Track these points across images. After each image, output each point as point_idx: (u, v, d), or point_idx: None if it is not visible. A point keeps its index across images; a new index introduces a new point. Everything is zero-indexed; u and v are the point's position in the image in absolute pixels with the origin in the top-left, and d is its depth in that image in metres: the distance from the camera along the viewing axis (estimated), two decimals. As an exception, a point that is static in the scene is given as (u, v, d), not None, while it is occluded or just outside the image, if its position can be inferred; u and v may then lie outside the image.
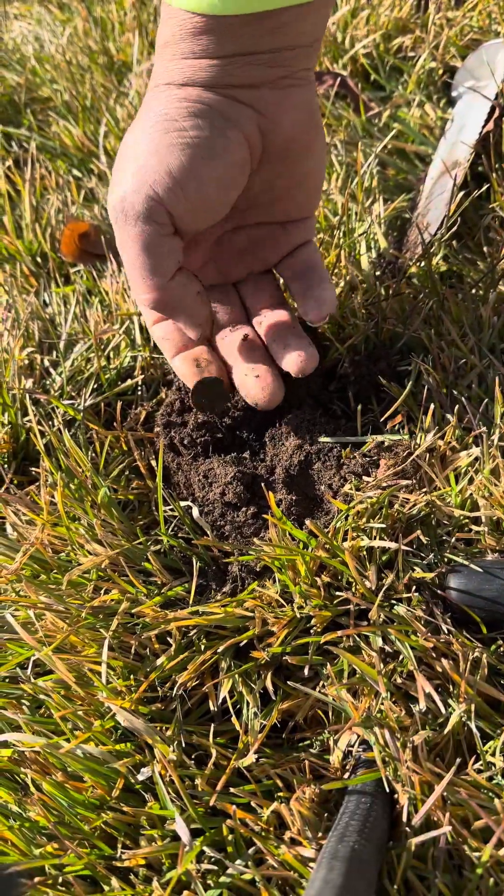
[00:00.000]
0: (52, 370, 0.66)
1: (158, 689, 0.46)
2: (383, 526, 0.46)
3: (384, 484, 0.48)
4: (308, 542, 0.47)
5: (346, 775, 0.42)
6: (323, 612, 0.45)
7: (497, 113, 0.72)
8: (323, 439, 0.52)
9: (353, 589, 0.45)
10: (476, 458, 0.50)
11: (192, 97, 0.45)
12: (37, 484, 0.58)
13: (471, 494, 0.49)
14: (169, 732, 0.44)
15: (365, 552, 0.46)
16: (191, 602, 0.47)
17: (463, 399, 0.53)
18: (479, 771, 0.41)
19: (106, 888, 0.40)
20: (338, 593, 0.46)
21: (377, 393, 0.58)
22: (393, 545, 0.45)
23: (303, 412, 0.54)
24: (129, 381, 0.63)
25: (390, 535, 0.47)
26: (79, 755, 0.43)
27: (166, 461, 0.56)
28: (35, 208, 0.86)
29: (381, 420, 0.54)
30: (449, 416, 0.52)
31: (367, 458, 0.51)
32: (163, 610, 0.47)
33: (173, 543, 0.51)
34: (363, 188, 0.72)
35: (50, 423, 0.62)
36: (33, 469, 0.60)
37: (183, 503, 0.52)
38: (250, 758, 0.42)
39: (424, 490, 0.49)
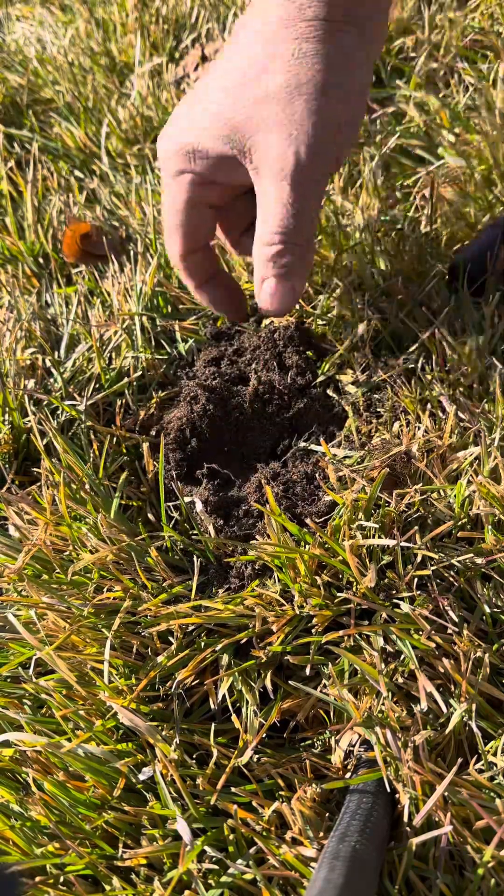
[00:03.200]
0: (53, 371, 0.66)
1: (160, 688, 0.46)
2: (377, 526, 0.46)
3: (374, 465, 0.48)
4: (303, 537, 0.47)
5: (347, 775, 0.42)
6: (324, 612, 0.45)
7: None
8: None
9: (354, 588, 0.45)
10: (476, 458, 0.50)
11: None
12: (38, 484, 0.58)
13: (469, 494, 0.49)
14: (170, 732, 0.44)
15: (365, 551, 0.46)
16: (192, 598, 0.47)
17: (462, 399, 0.53)
18: (480, 771, 0.41)
19: (107, 888, 0.40)
20: (339, 593, 0.46)
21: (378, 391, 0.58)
22: (392, 542, 0.45)
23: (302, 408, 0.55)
24: (125, 380, 0.64)
25: (388, 534, 0.47)
26: (80, 755, 0.43)
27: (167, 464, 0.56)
28: (37, 209, 0.86)
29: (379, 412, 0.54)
30: (447, 414, 0.52)
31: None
32: (165, 606, 0.47)
33: (176, 538, 0.51)
34: (365, 189, 0.72)
35: (52, 423, 0.62)
36: (35, 469, 0.60)
37: (186, 498, 0.52)
38: (248, 756, 0.42)
39: (418, 487, 0.49)
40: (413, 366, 0.58)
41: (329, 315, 0.64)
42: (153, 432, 0.59)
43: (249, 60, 0.44)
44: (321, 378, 0.59)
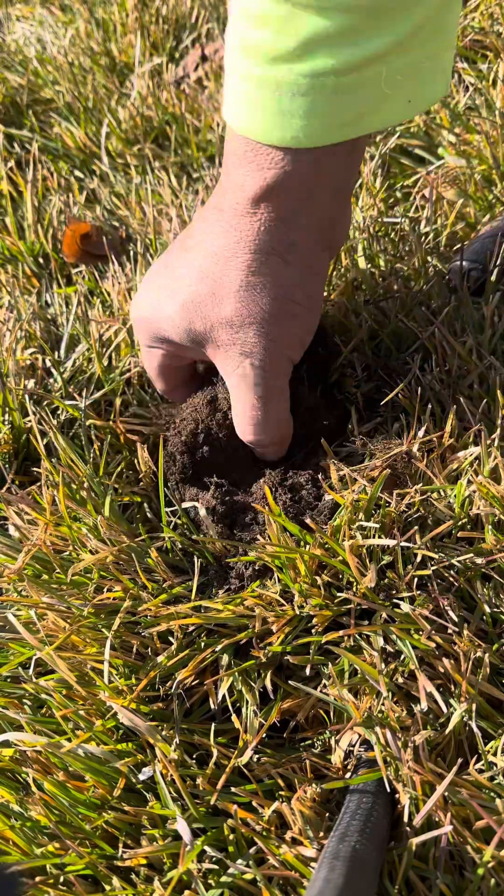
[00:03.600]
0: (53, 371, 0.66)
1: (160, 688, 0.46)
2: (377, 526, 0.46)
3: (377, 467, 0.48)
4: (303, 537, 0.47)
5: (347, 775, 0.42)
6: (324, 612, 0.45)
7: None
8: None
9: (354, 588, 0.45)
10: (476, 458, 0.50)
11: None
12: (38, 484, 0.58)
13: (469, 495, 0.49)
14: (170, 732, 0.44)
15: (365, 551, 0.46)
16: (192, 598, 0.47)
17: (461, 399, 0.53)
18: (480, 771, 0.41)
19: (107, 888, 0.40)
20: (339, 594, 0.46)
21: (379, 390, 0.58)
22: (391, 542, 0.45)
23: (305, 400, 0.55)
24: (125, 377, 0.64)
25: (388, 534, 0.47)
26: (80, 755, 0.43)
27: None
28: (37, 209, 0.86)
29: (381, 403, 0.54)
30: (448, 414, 0.52)
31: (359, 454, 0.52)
32: (165, 606, 0.47)
33: (176, 539, 0.51)
34: (365, 189, 0.72)
35: (52, 422, 0.62)
36: (35, 469, 0.60)
37: (186, 504, 0.52)
38: (248, 756, 0.42)
39: (418, 488, 0.49)
40: (413, 366, 0.57)
41: (330, 315, 0.64)
42: (162, 422, 0.59)
43: (205, 272, 0.46)
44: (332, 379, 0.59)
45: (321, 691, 0.44)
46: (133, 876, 0.41)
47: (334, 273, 0.67)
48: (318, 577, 0.46)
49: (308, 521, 0.47)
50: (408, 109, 0.39)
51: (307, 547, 0.47)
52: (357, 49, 0.35)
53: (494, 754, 0.41)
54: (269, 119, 0.38)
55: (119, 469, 0.58)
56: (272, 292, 0.45)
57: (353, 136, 0.39)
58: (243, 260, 0.45)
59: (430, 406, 0.52)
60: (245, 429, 0.50)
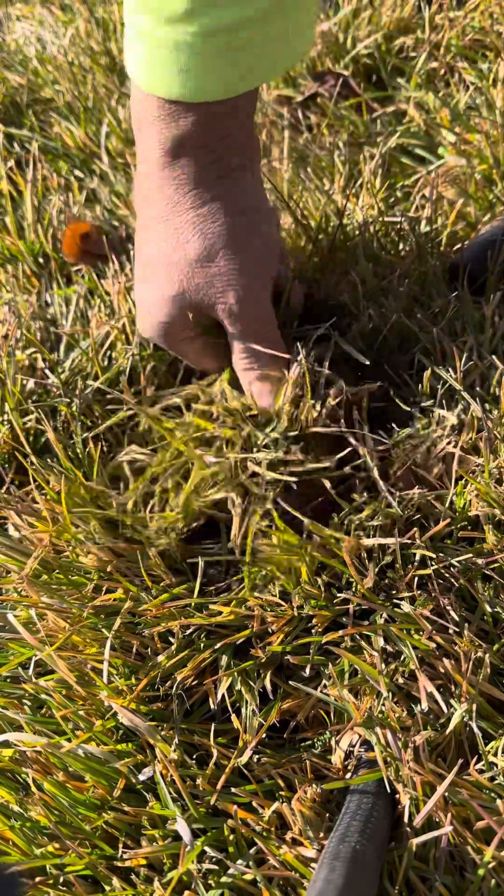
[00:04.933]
0: (53, 370, 0.66)
1: (160, 688, 0.46)
2: (381, 523, 0.46)
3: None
4: (304, 546, 0.47)
5: (347, 775, 0.42)
6: (323, 612, 0.45)
7: None
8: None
9: (354, 588, 0.45)
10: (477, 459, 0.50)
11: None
12: (38, 484, 0.58)
13: (470, 496, 0.49)
14: (170, 732, 0.43)
15: (365, 552, 0.46)
16: (195, 597, 0.47)
17: (462, 399, 0.53)
18: (480, 771, 0.40)
19: (107, 888, 0.40)
20: (339, 594, 0.46)
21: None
22: (391, 541, 0.45)
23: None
24: (123, 377, 0.63)
25: (388, 534, 0.47)
26: (80, 755, 0.43)
27: None
28: (37, 209, 0.86)
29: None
30: (452, 418, 0.52)
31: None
32: (165, 606, 0.47)
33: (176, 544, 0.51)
34: (365, 188, 0.72)
35: (51, 423, 0.62)
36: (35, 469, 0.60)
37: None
38: (247, 756, 0.42)
39: (416, 491, 0.49)
40: (414, 366, 0.57)
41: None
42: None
43: (163, 240, 0.48)
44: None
45: (321, 691, 0.44)
46: (133, 876, 0.41)
47: (335, 273, 0.67)
48: (318, 578, 0.46)
49: (306, 522, 0.47)
50: (284, 61, 0.44)
51: (307, 551, 0.47)
52: (240, 9, 0.39)
53: (495, 755, 0.41)
54: (170, 77, 0.41)
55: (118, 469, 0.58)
56: (221, 216, 0.47)
57: (243, 91, 0.43)
58: (186, 204, 0.47)
59: (429, 406, 0.52)
60: (238, 348, 0.51)
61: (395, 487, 0.49)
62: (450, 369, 0.56)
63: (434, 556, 0.45)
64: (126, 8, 0.42)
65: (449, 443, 0.50)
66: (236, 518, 0.48)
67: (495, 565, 0.46)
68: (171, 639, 0.47)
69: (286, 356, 0.50)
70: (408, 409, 0.54)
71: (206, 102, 0.43)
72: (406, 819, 0.39)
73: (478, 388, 0.55)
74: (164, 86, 0.42)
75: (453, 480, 0.49)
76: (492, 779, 0.40)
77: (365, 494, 0.48)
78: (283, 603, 0.46)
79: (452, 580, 0.46)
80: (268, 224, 0.50)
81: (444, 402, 0.54)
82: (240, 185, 0.48)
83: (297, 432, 0.49)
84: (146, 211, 0.49)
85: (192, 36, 0.39)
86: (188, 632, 0.47)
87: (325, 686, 0.45)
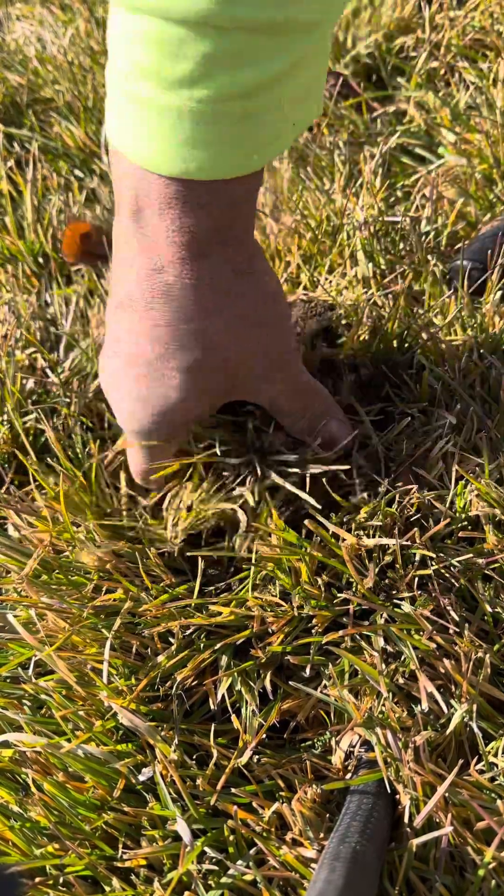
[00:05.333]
0: (53, 370, 0.66)
1: (160, 688, 0.46)
2: (380, 523, 0.46)
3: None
4: (303, 544, 0.47)
5: (347, 776, 0.42)
6: (323, 612, 0.45)
7: None
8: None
9: (354, 588, 0.45)
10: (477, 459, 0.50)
11: None
12: (37, 484, 0.58)
13: (470, 497, 0.49)
14: (169, 732, 0.43)
15: (364, 551, 0.46)
16: (195, 597, 0.47)
17: (461, 400, 0.53)
18: (481, 772, 0.40)
19: (107, 888, 0.40)
20: (339, 594, 0.46)
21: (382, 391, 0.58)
22: (391, 541, 0.45)
23: None
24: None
25: (388, 534, 0.47)
26: (80, 755, 0.43)
27: None
28: (37, 209, 0.86)
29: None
30: (451, 418, 0.52)
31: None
32: (165, 606, 0.47)
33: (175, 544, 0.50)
34: (365, 188, 0.72)
35: (51, 423, 0.62)
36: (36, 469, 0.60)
37: None
38: (247, 756, 0.42)
39: (417, 487, 0.49)
40: (414, 366, 0.57)
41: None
42: None
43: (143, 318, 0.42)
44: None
45: (321, 692, 0.44)
46: (133, 877, 0.41)
47: (335, 273, 0.67)
48: (318, 578, 0.46)
49: (306, 522, 0.47)
50: (293, 133, 0.37)
51: (307, 550, 0.47)
52: (257, 70, 0.33)
53: (495, 755, 0.41)
54: (170, 150, 0.35)
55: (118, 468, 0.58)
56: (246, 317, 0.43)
57: (256, 167, 0.36)
58: (208, 306, 0.41)
59: (429, 406, 0.52)
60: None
61: (394, 486, 0.49)
62: (448, 369, 0.56)
63: (434, 556, 0.45)
64: (114, 71, 0.36)
65: (448, 442, 0.50)
66: (243, 520, 0.48)
67: (496, 565, 0.46)
68: (171, 639, 0.47)
69: None
70: (406, 409, 0.54)
71: (224, 181, 0.36)
72: (406, 819, 0.39)
73: (478, 388, 0.55)
74: (167, 161, 0.35)
75: (453, 480, 0.49)
76: (492, 779, 0.40)
77: (364, 495, 0.48)
78: (283, 603, 0.46)
79: (453, 580, 0.46)
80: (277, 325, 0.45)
81: (443, 402, 0.54)
82: (261, 282, 0.43)
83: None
84: (143, 284, 0.41)
85: (201, 103, 0.33)
86: (188, 632, 0.47)
87: (325, 686, 0.45)
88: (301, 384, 0.49)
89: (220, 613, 0.46)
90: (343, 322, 0.61)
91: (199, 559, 0.49)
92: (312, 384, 0.50)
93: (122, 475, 0.56)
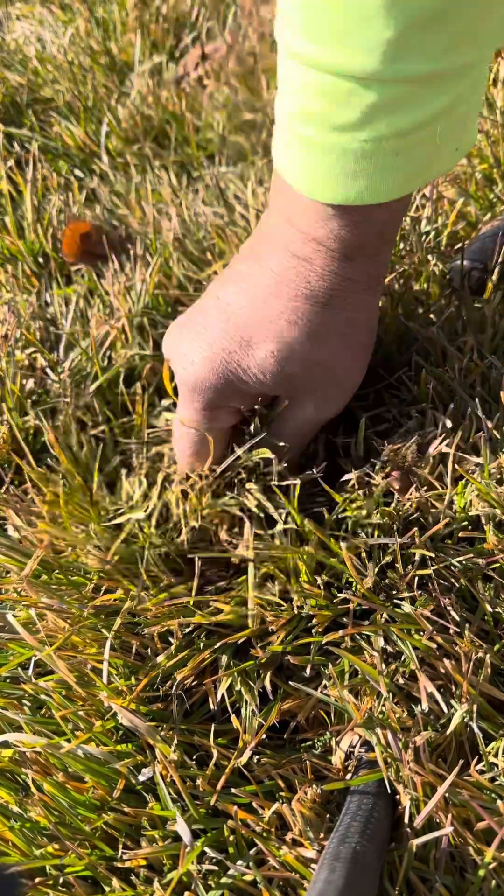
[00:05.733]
0: (53, 370, 0.66)
1: (160, 688, 0.46)
2: (380, 522, 0.46)
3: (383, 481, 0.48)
4: (307, 536, 0.47)
5: (347, 776, 0.42)
6: (323, 612, 0.45)
7: None
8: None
9: (354, 588, 0.45)
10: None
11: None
12: (35, 485, 0.58)
13: (470, 497, 0.49)
14: (169, 732, 0.43)
15: (364, 551, 0.46)
16: (193, 596, 0.47)
17: (461, 399, 0.53)
18: (481, 772, 0.40)
19: (107, 889, 0.40)
20: (339, 594, 0.46)
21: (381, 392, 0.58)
22: (391, 540, 0.45)
23: None
24: (112, 371, 0.63)
25: (387, 534, 0.47)
26: (80, 755, 0.42)
27: None
28: (37, 208, 0.86)
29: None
30: (446, 419, 0.52)
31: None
32: (164, 604, 0.47)
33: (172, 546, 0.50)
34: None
35: (51, 423, 0.62)
36: (38, 469, 0.60)
37: None
38: (247, 756, 0.42)
39: (415, 487, 0.49)
40: (413, 366, 0.57)
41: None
42: None
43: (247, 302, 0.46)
44: None
45: (321, 692, 0.44)
46: (133, 877, 0.41)
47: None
48: (317, 577, 0.46)
49: (306, 522, 0.47)
50: (455, 157, 0.41)
51: (305, 547, 0.47)
52: (416, 113, 0.36)
53: (495, 755, 0.41)
54: (334, 181, 0.39)
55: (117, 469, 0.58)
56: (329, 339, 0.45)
57: (409, 192, 0.41)
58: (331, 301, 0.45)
59: (429, 407, 0.52)
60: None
61: (390, 485, 0.49)
62: (448, 369, 0.56)
63: (434, 555, 0.45)
64: (283, 110, 0.40)
65: (443, 441, 0.50)
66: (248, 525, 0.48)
67: (496, 565, 0.46)
68: (170, 639, 0.47)
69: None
70: (404, 409, 0.54)
71: (376, 205, 0.40)
72: (406, 820, 0.39)
73: (478, 388, 0.55)
74: (329, 191, 0.39)
75: (450, 480, 0.48)
76: (492, 779, 0.40)
77: (361, 493, 0.48)
78: (283, 602, 0.46)
79: (453, 580, 0.46)
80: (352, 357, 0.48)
81: (442, 402, 0.54)
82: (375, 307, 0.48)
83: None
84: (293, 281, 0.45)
85: (363, 143, 0.37)
86: (188, 630, 0.46)
87: (325, 686, 0.45)
88: (321, 420, 0.50)
89: (220, 611, 0.46)
90: None
91: (197, 559, 0.49)
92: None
93: (123, 481, 0.56)
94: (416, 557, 0.46)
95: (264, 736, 0.44)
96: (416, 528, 0.46)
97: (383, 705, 0.42)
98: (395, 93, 0.35)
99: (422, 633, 0.43)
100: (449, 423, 0.51)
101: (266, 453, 0.49)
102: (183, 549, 0.50)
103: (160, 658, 0.45)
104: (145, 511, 0.51)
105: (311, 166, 0.39)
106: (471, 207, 0.72)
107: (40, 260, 0.83)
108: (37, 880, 0.40)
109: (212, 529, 0.51)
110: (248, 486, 0.50)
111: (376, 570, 0.45)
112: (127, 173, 0.94)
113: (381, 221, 0.42)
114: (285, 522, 0.47)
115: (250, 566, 0.47)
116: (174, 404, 0.61)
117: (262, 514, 0.49)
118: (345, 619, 0.45)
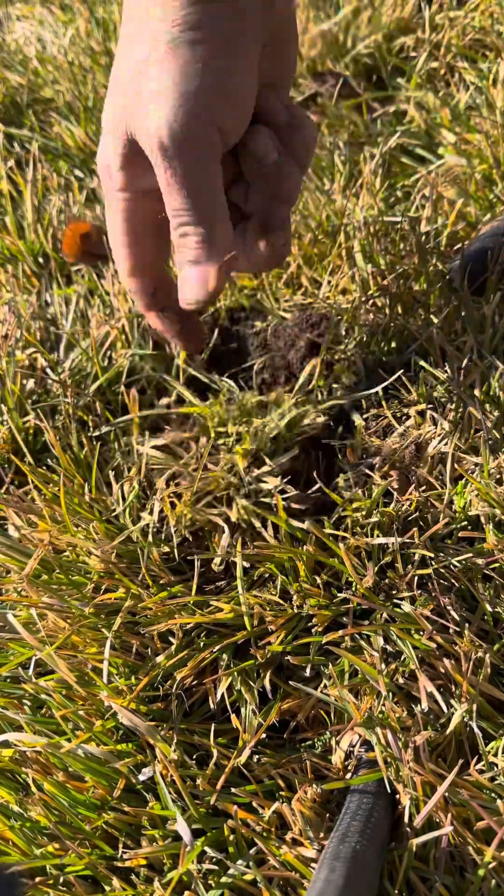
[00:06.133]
0: (53, 370, 0.66)
1: (160, 688, 0.46)
2: (378, 521, 0.46)
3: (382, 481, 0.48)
4: (305, 538, 0.47)
5: (347, 776, 0.42)
6: (323, 612, 0.45)
7: None
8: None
9: (354, 588, 0.45)
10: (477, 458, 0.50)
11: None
12: (36, 485, 0.58)
13: (470, 497, 0.49)
14: (169, 732, 0.43)
15: (364, 551, 0.46)
16: (192, 595, 0.47)
17: (462, 399, 0.53)
18: (481, 772, 0.40)
19: (107, 888, 0.40)
20: (339, 593, 0.46)
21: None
22: (390, 540, 0.45)
23: None
24: (121, 377, 0.63)
25: (387, 534, 0.47)
26: (80, 755, 0.43)
27: None
28: (37, 209, 0.86)
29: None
30: (445, 419, 0.52)
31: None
32: (165, 604, 0.47)
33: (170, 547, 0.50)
34: (365, 188, 0.72)
35: (51, 423, 0.62)
36: (39, 469, 0.60)
37: None
38: (246, 755, 0.42)
39: (414, 487, 0.49)
40: (412, 366, 0.57)
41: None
42: None
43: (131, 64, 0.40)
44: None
45: (321, 691, 0.44)
46: (133, 876, 0.41)
47: (335, 273, 0.67)
48: (317, 577, 0.46)
49: (307, 524, 0.47)
50: None
51: (304, 547, 0.47)
52: None
53: (495, 755, 0.41)
54: None
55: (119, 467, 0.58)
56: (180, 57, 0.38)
57: None
58: (164, 20, 0.38)
59: (429, 407, 0.52)
60: (168, 200, 0.41)
61: (389, 485, 0.49)
62: (448, 369, 0.56)
63: (434, 555, 0.45)
64: None
65: (441, 441, 0.50)
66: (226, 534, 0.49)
67: (496, 565, 0.46)
68: (171, 639, 0.47)
69: (223, 233, 0.41)
70: (403, 410, 0.54)
71: None
72: (406, 819, 0.39)
73: (477, 388, 0.55)
74: None
75: (448, 480, 0.49)
76: (492, 779, 0.40)
77: (359, 492, 0.48)
78: (282, 602, 0.46)
79: (453, 580, 0.46)
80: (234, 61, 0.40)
81: (441, 402, 0.54)
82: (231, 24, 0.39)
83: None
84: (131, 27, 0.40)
85: None
86: (188, 628, 0.47)
87: (325, 686, 0.45)
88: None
89: (220, 610, 0.46)
90: (342, 324, 0.61)
91: (196, 559, 0.49)
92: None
93: (120, 486, 0.56)
94: (416, 557, 0.46)
95: (264, 735, 0.44)
96: (415, 528, 0.46)
97: (383, 705, 0.42)
98: None
99: (422, 633, 0.43)
100: (448, 424, 0.51)
101: None
102: (183, 548, 0.51)
103: (160, 658, 0.45)
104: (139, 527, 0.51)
105: None
106: (471, 208, 0.72)
107: (40, 260, 0.83)
108: (37, 879, 0.40)
109: (207, 535, 0.51)
110: (236, 500, 0.50)
111: (376, 569, 0.45)
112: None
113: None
114: (275, 532, 0.48)
115: (239, 569, 0.47)
116: (172, 404, 0.61)
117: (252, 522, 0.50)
118: (344, 618, 0.45)
